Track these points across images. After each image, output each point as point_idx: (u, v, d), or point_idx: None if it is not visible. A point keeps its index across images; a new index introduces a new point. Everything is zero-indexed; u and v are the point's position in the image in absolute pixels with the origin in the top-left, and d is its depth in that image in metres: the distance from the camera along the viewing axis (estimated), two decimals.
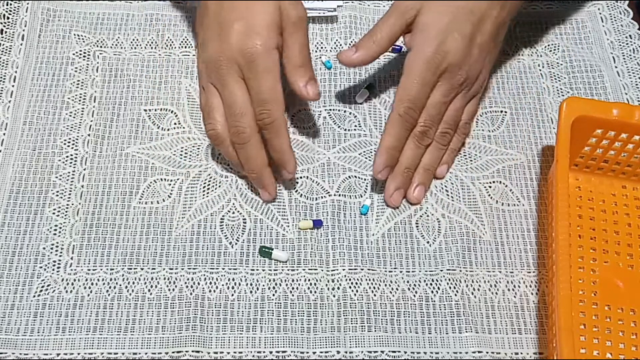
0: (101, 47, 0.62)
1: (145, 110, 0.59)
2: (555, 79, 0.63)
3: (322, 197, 0.55)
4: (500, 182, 0.57)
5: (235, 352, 0.49)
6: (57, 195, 0.54)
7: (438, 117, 0.54)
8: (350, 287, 0.51)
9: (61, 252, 0.52)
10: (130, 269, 0.52)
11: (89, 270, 0.51)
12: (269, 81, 0.49)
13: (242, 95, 0.50)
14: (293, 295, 0.51)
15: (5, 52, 0.61)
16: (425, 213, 0.55)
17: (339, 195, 0.56)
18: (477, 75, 0.55)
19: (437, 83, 0.52)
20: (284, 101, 0.50)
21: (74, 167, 0.56)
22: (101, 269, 0.52)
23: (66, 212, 0.54)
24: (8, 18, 0.63)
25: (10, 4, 0.63)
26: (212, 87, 0.52)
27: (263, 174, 0.52)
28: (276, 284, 0.52)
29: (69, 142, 0.57)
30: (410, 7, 0.53)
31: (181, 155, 0.57)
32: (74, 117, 0.58)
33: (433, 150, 0.55)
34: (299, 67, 0.51)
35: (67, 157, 0.56)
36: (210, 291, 0.51)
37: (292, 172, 0.53)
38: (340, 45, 0.63)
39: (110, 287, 0.51)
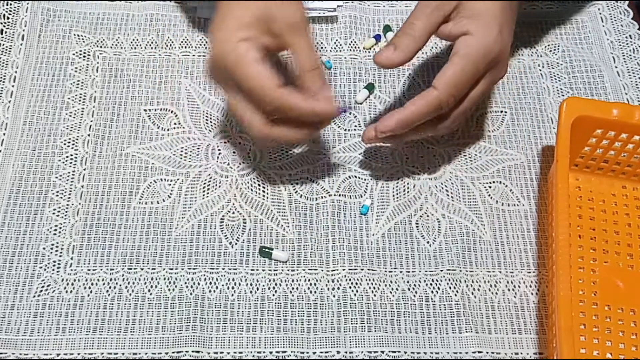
0: (101, 47, 0.62)
1: (145, 110, 0.59)
2: (555, 79, 0.63)
3: (322, 197, 0.55)
4: (500, 182, 0.57)
5: (235, 352, 0.49)
6: (57, 195, 0.54)
7: (469, 110, 0.52)
8: (350, 287, 0.51)
9: (61, 252, 0.52)
10: (130, 269, 0.52)
11: (89, 270, 0.51)
12: (246, 73, 0.46)
13: (241, 99, 0.48)
14: (293, 295, 0.51)
15: (5, 52, 0.61)
16: (425, 213, 0.55)
17: (339, 195, 0.56)
18: (505, 73, 0.53)
19: (483, 76, 0.50)
20: (272, 78, 0.46)
21: (74, 167, 0.56)
22: (101, 269, 0.52)
23: (66, 212, 0.54)
24: (8, 18, 0.62)
25: (10, 4, 0.63)
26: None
27: (307, 135, 0.50)
28: (276, 284, 0.52)
29: (69, 142, 0.57)
30: None
31: (181, 155, 0.57)
32: (74, 117, 0.58)
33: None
34: (308, 71, 0.48)
35: (67, 157, 0.56)
36: (210, 291, 0.51)
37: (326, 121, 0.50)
38: (340, 45, 0.63)
39: (110, 287, 0.51)
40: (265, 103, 0.47)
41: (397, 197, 0.56)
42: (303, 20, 0.48)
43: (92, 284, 0.51)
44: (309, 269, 0.52)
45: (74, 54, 0.61)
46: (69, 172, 0.55)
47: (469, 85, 0.49)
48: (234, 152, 0.57)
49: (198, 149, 0.57)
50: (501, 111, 0.61)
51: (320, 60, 0.49)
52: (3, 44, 0.61)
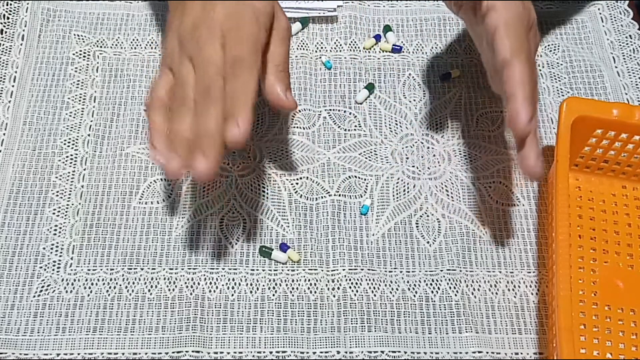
0: (101, 47, 0.62)
1: (145, 110, 0.59)
2: (555, 79, 0.63)
3: (322, 197, 0.55)
4: (500, 182, 0.57)
5: (235, 352, 0.49)
6: (57, 195, 0.54)
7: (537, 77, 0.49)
8: (350, 287, 0.51)
9: (61, 252, 0.52)
10: (130, 269, 0.52)
11: (89, 270, 0.51)
12: (249, 42, 0.44)
13: (219, 59, 0.43)
14: (293, 295, 0.51)
15: (5, 52, 0.61)
16: (425, 213, 0.55)
17: (339, 195, 0.56)
18: (539, 43, 0.52)
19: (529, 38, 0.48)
20: (257, 69, 0.44)
21: (74, 167, 0.56)
22: (101, 269, 0.52)
23: (66, 212, 0.54)
24: (8, 18, 0.63)
25: (10, 4, 0.63)
26: (186, 61, 0.45)
27: (217, 135, 0.43)
28: (276, 284, 0.52)
29: (69, 142, 0.57)
30: None
31: None
32: (74, 117, 0.58)
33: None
34: (281, 71, 0.47)
35: (67, 157, 0.56)
36: (210, 291, 0.51)
37: (241, 129, 0.43)
38: (340, 45, 0.63)
39: (110, 287, 0.51)
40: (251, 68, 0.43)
41: (397, 197, 0.56)
42: (291, 32, 0.48)
43: (92, 284, 0.51)
44: (309, 269, 0.52)
45: (74, 54, 0.61)
46: (69, 172, 0.55)
47: (529, 46, 0.48)
48: (234, 152, 0.57)
49: None
50: (501, 111, 0.61)
51: (288, 69, 0.47)
52: (3, 44, 0.61)
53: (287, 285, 0.52)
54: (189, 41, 0.45)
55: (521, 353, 0.50)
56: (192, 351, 0.48)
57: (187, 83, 0.44)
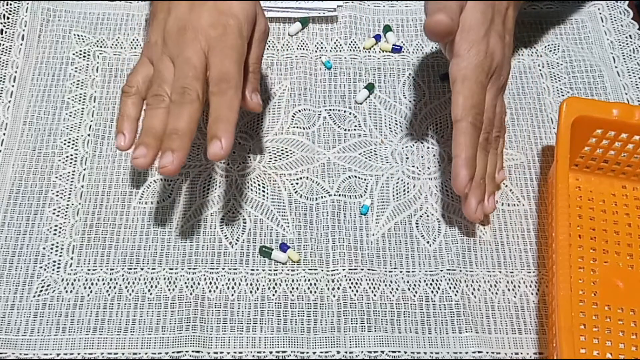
0: (101, 47, 0.62)
1: (145, 110, 0.59)
2: (555, 79, 0.63)
3: (322, 197, 0.55)
4: None
5: (235, 352, 0.49)
6: (57, 195, 0.54)
7: (492, 120, 0.52)
8: (350, 287, 0.51)
9: (61, 252, 0.52)
10: (130, 269, 0.52)
11: (89, 270, 0.51)
12: (233, 57, 0.46)
13: (200, 64, 0.46)
14: (293, 295, 0.51)
15: (5, 52, 0.61)
16: (425, 213, 0.55)
17: (339, 195, 0.56)
18: (508, 76, 0.54)
19: (487, 86, 0.51)
20: (241, 85, 0.47)
21: (74, 167, 0.56)
22: (101, 269, 0.52)
23: (66, 212, 0.54)
24: (8, 18, 0.63)
25: (10, 4, 0.63)
26: (166, 59, 0.47)
27: (186, 136, 0.45)
28: (276, 284, 0.52)
29: (69, 142, 0.57)
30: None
31: None
32: (74, 117, 0.58)
33: (492, 156, 0.53)
34: (251, 72, 0.49)
35: (67, 157, 0.56)
36: (210, 291, 0.51)
37: (224, 148, 0.45)
38: (340, 45, 0.63)
39: (110, 287, 0.51)
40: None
41: (397, 197, 0.56)
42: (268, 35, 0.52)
43: (92, 284, 0.51)
44: (309, 269, 0.52)
45: (74, 54, 0.61)
46: (69, 172, 0.55)
47: (483, 98, 0.51)
48: (234, 152, 0.57)
49: (198, 149, 0.57)
50: None
51: (260, 70, 0.51)
52: (3, 44, 0.61)
53: (287, 285, 0.52)
54: (172, 41, 0.47)
55: (521, 353, 0.50)
56: (192, 351, 0.48)
57: (165, 80, 0.47)
